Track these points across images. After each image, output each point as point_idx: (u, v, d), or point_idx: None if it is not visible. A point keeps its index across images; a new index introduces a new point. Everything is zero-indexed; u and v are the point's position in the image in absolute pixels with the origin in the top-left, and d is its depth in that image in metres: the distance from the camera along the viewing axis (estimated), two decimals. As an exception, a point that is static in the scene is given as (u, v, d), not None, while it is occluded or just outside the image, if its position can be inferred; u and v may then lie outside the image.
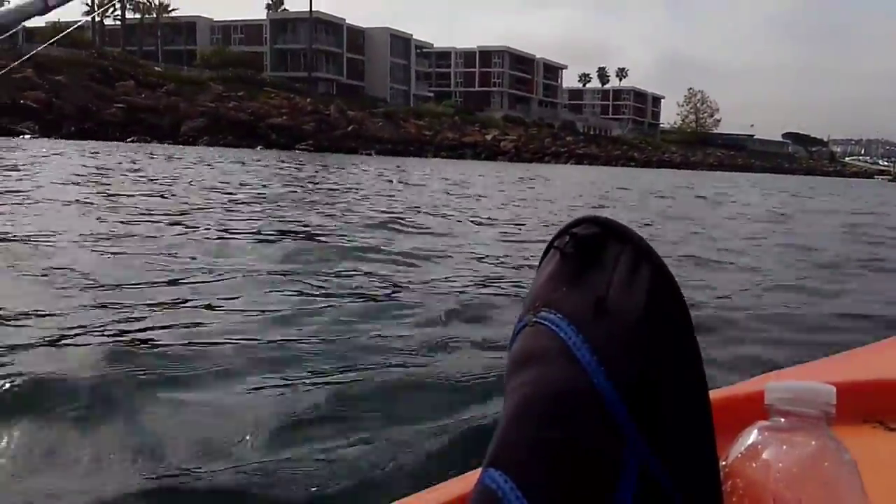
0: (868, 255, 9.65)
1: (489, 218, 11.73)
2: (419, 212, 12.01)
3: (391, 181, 21.61)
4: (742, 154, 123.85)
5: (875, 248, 10.66)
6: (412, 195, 16.22)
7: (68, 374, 3.21)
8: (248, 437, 2.67)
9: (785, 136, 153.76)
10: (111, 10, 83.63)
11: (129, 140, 42.22)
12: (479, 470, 0.51)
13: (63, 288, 4.99)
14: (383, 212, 11.55)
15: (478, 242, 8.73)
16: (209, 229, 8.38)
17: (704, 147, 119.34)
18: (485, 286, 5.94)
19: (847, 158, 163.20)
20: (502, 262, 7.32)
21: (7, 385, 2.99)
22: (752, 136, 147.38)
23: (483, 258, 7.50)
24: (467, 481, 0.77)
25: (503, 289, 5.87)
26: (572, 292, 0.53)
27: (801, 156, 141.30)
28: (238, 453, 2.57)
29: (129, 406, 2.96)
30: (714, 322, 4.87)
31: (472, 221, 11.16)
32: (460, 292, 5.58)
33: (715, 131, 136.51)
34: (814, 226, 14.37)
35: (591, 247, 0.54)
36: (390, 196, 15.50)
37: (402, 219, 10.51)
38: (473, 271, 6.72)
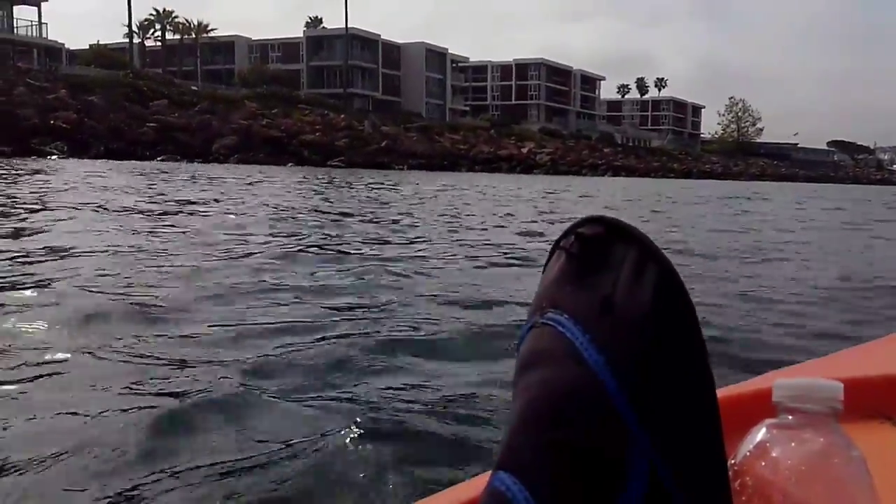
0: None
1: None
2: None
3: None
4: (786, 163, 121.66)
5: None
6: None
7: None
8: (258, 439, 2.71)
9: (830, 144, 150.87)
10: (152, 31, 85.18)
11: (158, 159, 42.45)
12: (489, 473, 0.50)
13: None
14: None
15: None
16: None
17: (746, 157, 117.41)
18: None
19: (895, 166, 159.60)
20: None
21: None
22: (797, 144, 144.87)
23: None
24: (477, 485, 0.76)
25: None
26: (578, 292, 0.53)
27: (846, 164, 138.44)
28: (249, 454, 2.57)
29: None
30: (721, 320, 4.89)
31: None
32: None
33: (757, 141, 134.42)
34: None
35: (596, 247, 0.54)
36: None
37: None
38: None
